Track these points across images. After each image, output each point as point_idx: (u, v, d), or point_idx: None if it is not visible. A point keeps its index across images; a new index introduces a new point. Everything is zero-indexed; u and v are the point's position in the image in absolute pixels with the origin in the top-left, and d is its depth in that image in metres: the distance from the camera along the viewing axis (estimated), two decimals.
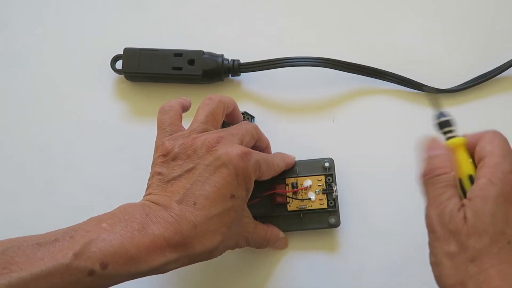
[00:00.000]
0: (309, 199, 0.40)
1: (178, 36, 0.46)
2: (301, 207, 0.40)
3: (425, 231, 0.31)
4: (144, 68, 0.44)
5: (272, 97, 0.45)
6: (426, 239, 0.31)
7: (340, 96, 0.45)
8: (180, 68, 0.43)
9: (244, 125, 0.38)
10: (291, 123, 0.45)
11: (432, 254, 0.30)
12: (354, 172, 0.43)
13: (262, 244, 0.39)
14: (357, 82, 0.45)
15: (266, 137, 0.40)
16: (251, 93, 0.46)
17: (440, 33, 0.47)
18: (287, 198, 0.40)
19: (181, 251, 0.31)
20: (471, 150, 0.31)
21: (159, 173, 0.34)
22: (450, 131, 0.32)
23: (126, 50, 0.44)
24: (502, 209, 0.28)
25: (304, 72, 0.45)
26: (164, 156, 0.34)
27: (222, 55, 0.44)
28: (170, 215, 0.31)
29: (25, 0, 0.49)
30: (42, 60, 0.47)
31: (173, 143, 0.34)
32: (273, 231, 0.40)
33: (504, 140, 0.31)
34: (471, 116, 0.44)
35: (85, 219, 0.41)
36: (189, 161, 0.33)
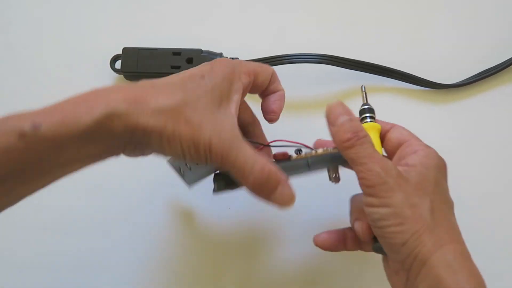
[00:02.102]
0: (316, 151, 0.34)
1: (177, 35, 0.46)
2: (307, 152, 0.34)
3: None
4: (143, 68, 0.44)
5: None
6: None
7: (341, 94, 0.45)
8: (178, 67, 0.43)
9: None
10: (291, 121, 0.44)
11: (387, 205, 0.29)
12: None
13: (245, 170, 0.28)
14: (360, 79, 0.45)
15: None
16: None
17: (444, 28, 0.46)
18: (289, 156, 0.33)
19: (131, 104, 0.26)
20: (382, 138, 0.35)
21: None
22: (368, 117, 0.36)
23: (125, 49, 0.44)
24: (439, 176, 0.31)
25: (304, 69, 0.44)
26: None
27: (221, 54, 0.44)
28: (129, 85, 0.28)
29: (25, 1, 0.49)
30: (42, 60, 0.47)
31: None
32: (266, 163, 0.29)
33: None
34: (476, 111, 0.44)
35: (84, 219, 0.42)
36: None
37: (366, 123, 0.36)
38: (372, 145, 0.30)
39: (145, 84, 0.28)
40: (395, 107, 0.44)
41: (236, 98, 0.30)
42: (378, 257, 0.33)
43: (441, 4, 0.47)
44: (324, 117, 0.44)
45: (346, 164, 0.33)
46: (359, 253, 0.35)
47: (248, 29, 0.47)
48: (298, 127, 0.44)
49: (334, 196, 0.40)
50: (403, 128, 0.34)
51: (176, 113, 0.27)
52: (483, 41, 0.45)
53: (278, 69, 0.43)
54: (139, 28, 0.47)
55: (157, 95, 0.27)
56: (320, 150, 0.34)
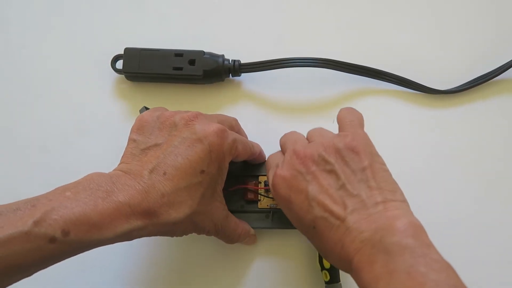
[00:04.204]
0: None
1: (179, 36, 0.46)
2: (272, 205, 0.40)
3: None
4: (145, 68, 0.44)
5: (273, 97, 0.46)
6: None
7: (340, 97, 0.45)
8: (180, 68, 0.44)
9: (223, 115, 0.39)
10: (291, 124, 0.45)
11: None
12: None
13: (231, 238, 0.38)
14: (357, 82, 0.45)
15: (244, 132, 0.41)
16: (251, 94, 0.46)
17: (439, 33, 0.47)
18: (259, 195, 0.40)
19: (147, 219, 0.31)
20: None
21: (134, 140, 0.34)
22: None
23: (126, 50, 0.44)
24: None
25: (305, 73, 0.45)
26: (141, 124, 0.35)
27: (223, 55, 0.44)
28: (138, 183, 0.31)
29: (26, 1, 0.49)
30: (43, 60, 0.47)
31: (151, 114, 0.35)
32: (245, 226, 0.39)
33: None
34: (471, 118, 0.45)
35: None
36: (166, 132, 0.34)
37: None
38: None
39: (155, 186, 0.31)
40: (389, 109, 0.45)
41: (223, 178, 0.35)
42: None
43: (437, 10, 0.47)
44: (324, 119, 0.45)
45: None
46: None
47: (250, 31, 0.47)
48: (298, 131, 0.44)
49: None
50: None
51: (177, 225, 0.32)
52: (478, 47, 0.46)
53: (278, 72, 0.44)
54: (141, 28, 0.48)
55: (164, 210, 0.31)
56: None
